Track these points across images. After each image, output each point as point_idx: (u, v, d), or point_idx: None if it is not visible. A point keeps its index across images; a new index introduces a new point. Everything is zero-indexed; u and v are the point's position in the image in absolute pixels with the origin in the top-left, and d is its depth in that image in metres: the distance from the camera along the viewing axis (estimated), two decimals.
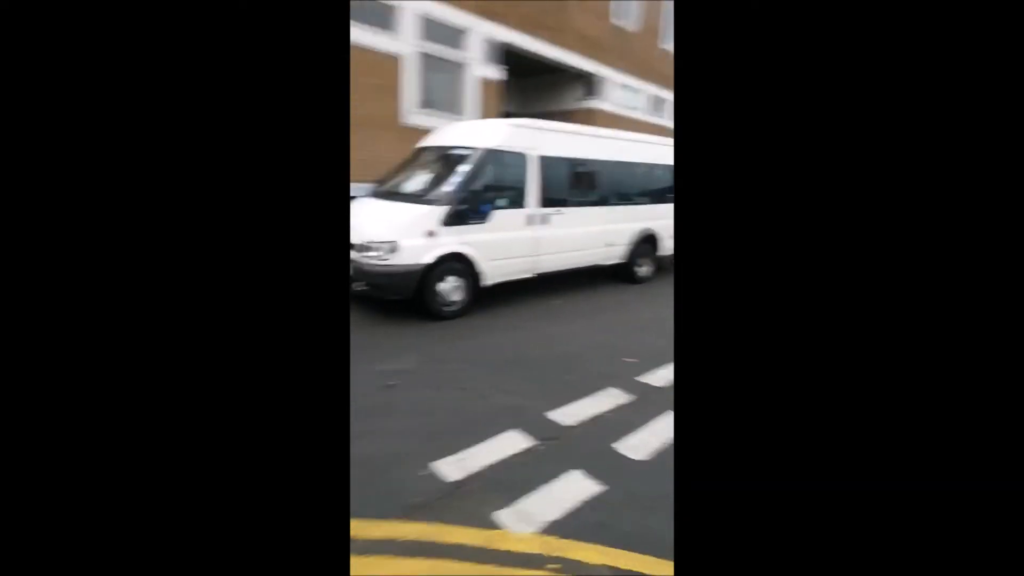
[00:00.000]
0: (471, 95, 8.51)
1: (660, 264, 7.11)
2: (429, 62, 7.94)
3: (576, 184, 5.66)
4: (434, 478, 2.30)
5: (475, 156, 4.73)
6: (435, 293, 4.45)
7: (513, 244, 5.01)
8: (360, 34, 6.94)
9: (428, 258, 4.31)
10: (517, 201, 5.01)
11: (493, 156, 4.81)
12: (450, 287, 4.56)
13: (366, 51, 7.03)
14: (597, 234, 5.99)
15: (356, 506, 2.06)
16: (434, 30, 7.87)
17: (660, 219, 6.77)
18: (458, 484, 2.27)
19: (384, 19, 7.28)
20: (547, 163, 5.22)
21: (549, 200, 5.28)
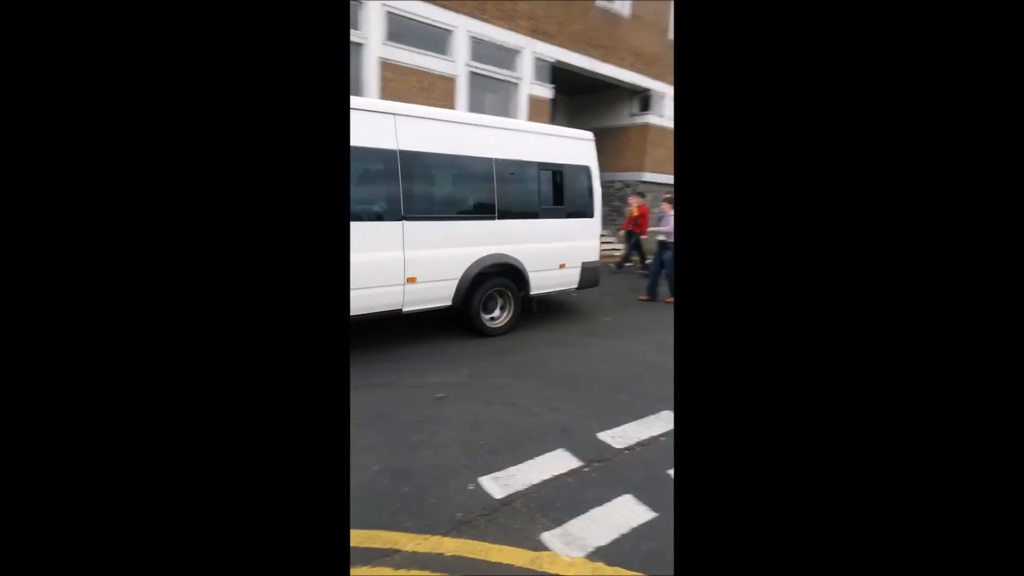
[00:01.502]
0: (522, 113, 8.63)
1: (531, 307, 5.09)
2: (481, 82, 8.14)
3: None
4: (481, 494, 2.27)
5: None
6: None
7: None
8: (416, 57, 7.23)
9: None
10: None
11: None
12: None
13: (422, 72, 7.31)
14: (384, 266, 3.88)
15: (402, 518, 2.07)
16: (486, 51, 8.08)
17: (515, 243, 4.59)
18: (504, 501, 2.22)
19: (439, 43, 7.55)
20: None
21: None
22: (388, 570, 1.79)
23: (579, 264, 5.11)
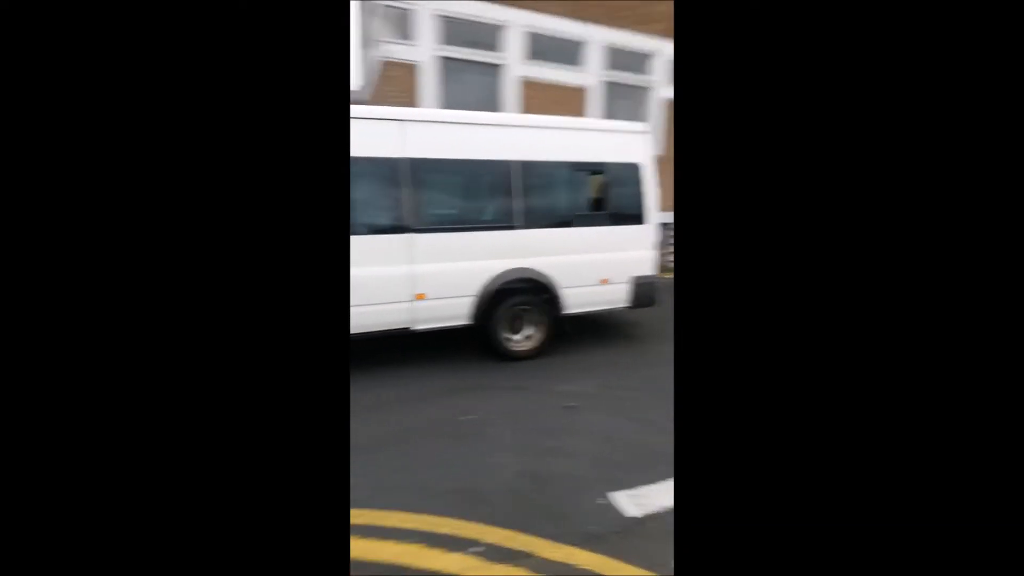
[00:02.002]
0: (654, 116, 8.37)
1: (563, 328, 4.50)
2: (614, 89, 8.09)
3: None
4: (612, 510, 2.26)
5: None
6: None
7: None
8: (552, 71, 7.43)
9: None
10: None
11: None
12: None
13: (558, 87, 7.50)
14: (389, 283, 3.68)
15: (538, 523, 2.14)
16: (619, 58, 8.00)
17: (543, 255, 4.05)
18: (639, 521, 2.18)
19: (572, 55, 7.67)
20: None
21: None
22: (524, 571, 1.88)
23: (628, 279, 4.39)
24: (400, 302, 3.74)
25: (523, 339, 4.24)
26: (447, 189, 3.95)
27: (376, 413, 3.27)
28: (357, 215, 3.56)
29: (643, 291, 4.49)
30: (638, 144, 4.44)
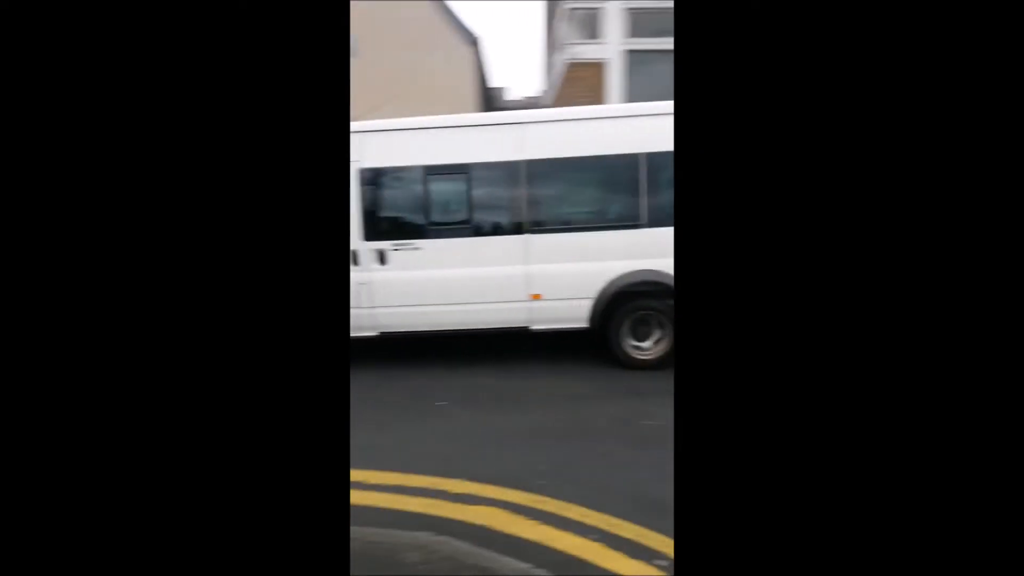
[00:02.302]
0: None
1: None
2: None
3: (445, 203, 3.94)
4: None
5: None
6: None
7: None
8: None
9: None
10: None
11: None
12: None
13: None
14: (506, 280, 3.82)
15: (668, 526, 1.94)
16: None
17: (670, 256, 3.49)
18: None
19: None
20: (376, 178, 3.93)
21: (384, 231, 3.95)
22: (654, 571, 1.80)
23: None
24: (516, 301, 3.84)
25: (649, 347, 3.96)
26: (564, 188, 3.88)
27: (564, 403, 3.37)
28: (474, 217, 3.84)
29: None
30: None
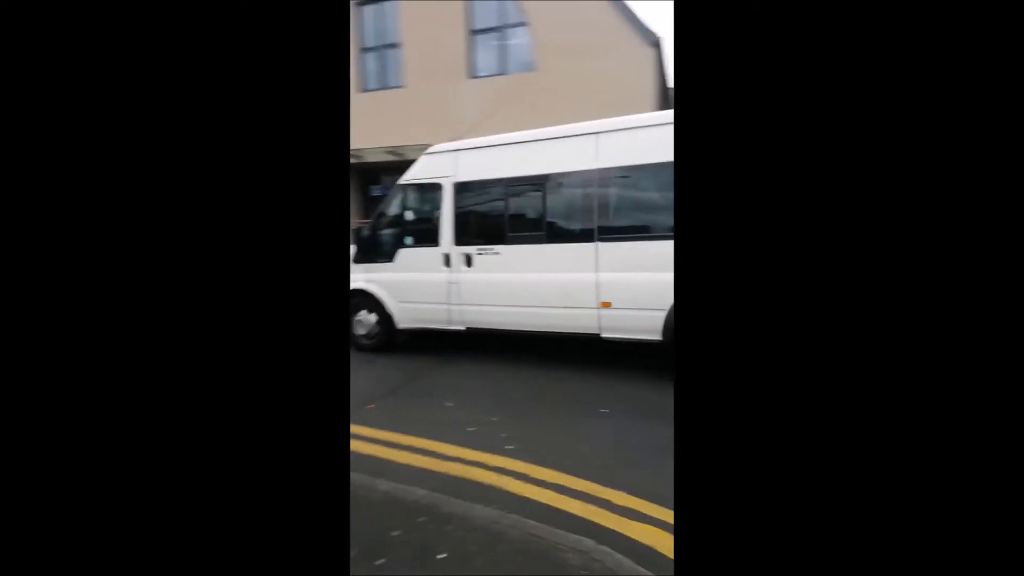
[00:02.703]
0: None
1: None
2: None
3: (516, 213, 4.23)
4: None
5: (390, 193, 4.89)
6: (355, 322, 4.92)
7: (423, 287, 4.57)
8: None
9: None
10: (431, 238, 4.52)
11: (407, 190, 4.76)
12: (363, 320, 4.88)
13: None
14: (576, 287, 3.93)
15: None
16: None
17: None
18: None
19: None
20: (465, 189, 4.41)
21: (472, 236, 4.38)
22: None
23: None
24: (586, 308, 3.92)
25: None
26: (635, 196, 3.80)
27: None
28: (546, 224, 4.07)
29: None
30: None
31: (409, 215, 4.82)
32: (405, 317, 4.77)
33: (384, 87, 9.93)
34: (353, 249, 4.87)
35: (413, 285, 4.66)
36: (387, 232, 4.85)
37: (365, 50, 10.00)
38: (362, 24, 9.85)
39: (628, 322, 3.86)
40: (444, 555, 1.87)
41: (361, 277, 4.89)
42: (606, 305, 3.90)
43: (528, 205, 4.22)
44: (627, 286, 3.81)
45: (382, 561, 1.86)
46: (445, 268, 4.46)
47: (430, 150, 4.78)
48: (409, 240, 4.74)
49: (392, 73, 9.89)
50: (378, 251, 4.85)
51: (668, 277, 3.47)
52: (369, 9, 9.88)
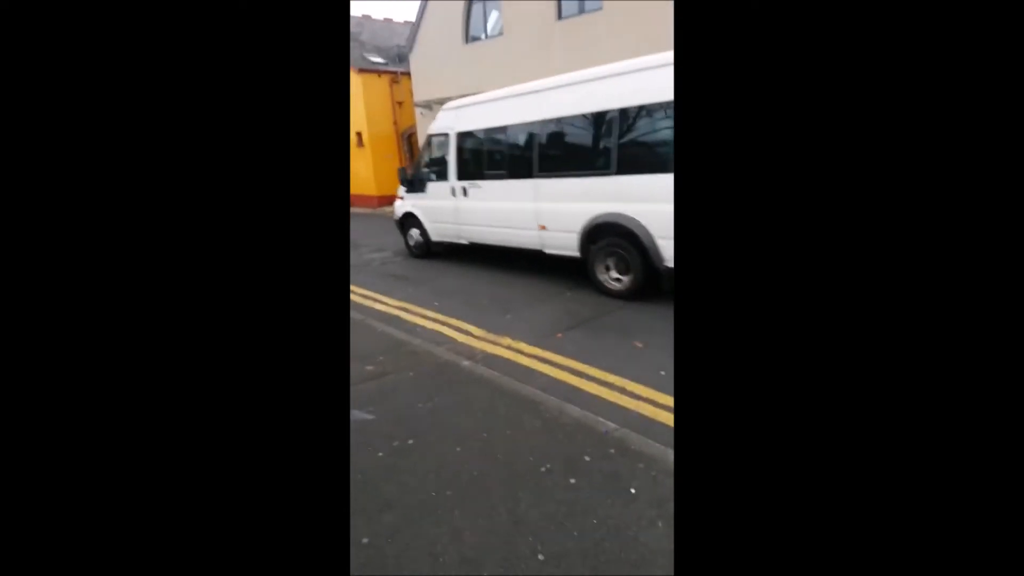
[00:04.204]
0: None
1: (655, 281, 4.20)
2: None
3: (493, 156, 5.53)
4: None
5: (426, 140, 6.46)
6: (408, 235, 6.96)
7: (441, 211, 6.18)
8: None
9: (399, 212, 6.95)
10: (444, 175, 6.02)
11: (432, 139, 6.27)
12: (411, 234, 6.87)
13: None
14: (520, 212, 5.17)
15: None
16: None
17: (634, 201, 4.14)
18: None
19: None
20: (462, 138, 5.77)
21: (466, 173, 5.76)
22: None
23: None
24: (531, 230, 5.13)
25: (620, 279, 4.52)
26: (565, 141, 4.75)
27: None
28: (506, 165, 5.30)
29: None
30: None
31: (434, 157, 6.28)
32: (435, 232, 6.45)
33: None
34: (401, 188, 6.87)
35: (437, 210, 6.27)
36: (423, 170, 6.45)
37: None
38: None
39: (557, 241, 4.94)
40: (634, 490, 1.87)
41: (409, 203, 6.72)
42: (543, 228, 5.05)
43: (497, 149, 5.49)
44: (555, 213, 4.88)
45: (573, 480, 1.96)
46: (452, 197, 5.97)
47: (444, 107, 6.23)
48: (433, 176, 6.26)
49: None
50: (419, 185, 6.48)
51: (582, 207, 4.57)
52: None
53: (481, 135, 5.61)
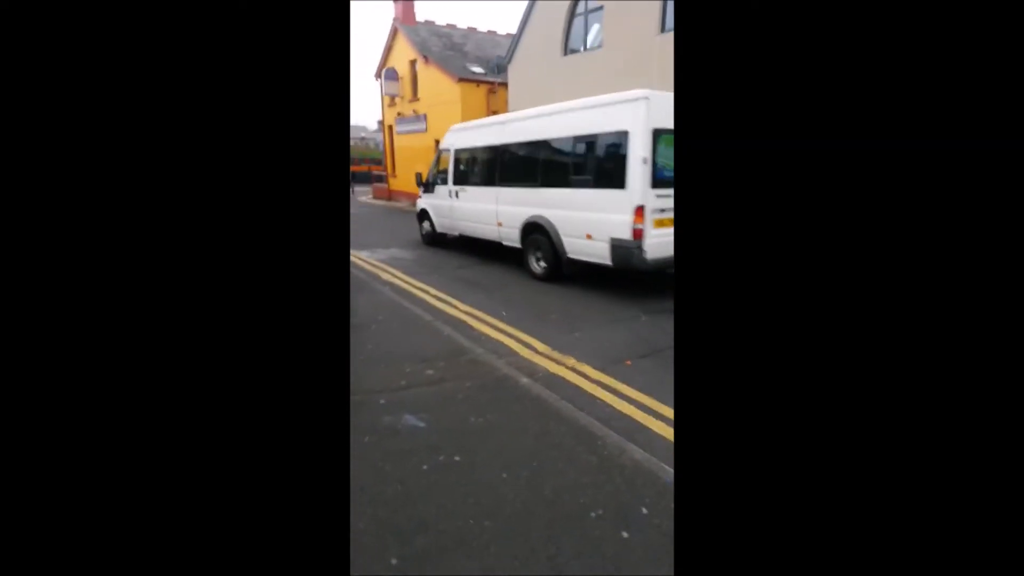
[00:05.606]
0: None
1: (560, 269, 5.69)
2: None
3: (473, 168, 7.30)
4: None
5: (437, 153, 8.29)
6: (422, 226, 8.82)
7: (443, 208, 8.03)
8: None
9: (418, 208, 8.83)
10: (446, 181, 7.90)
11: (440, 152, 8.13)
12: (425, 225, 8.68)
13: None
14: (487, 212, 6.85)
15: None
16: None
17: (550, 208, 5.74)
18: None
19: None
20: (458, 153, 7.63)
21: (458, 180, 7.61)
22: None
23: (607, 239, 4.99)
24: (493, 226, 6.82)
25: (540, 265, 6.05)
26: (512, 160, 6.49)
27: None
28: (480, 176, 7.11)
29: (620, 253, 4.92)
30: (628, 112, 4.81)
31: (442, 168, 8.05)
32: (439, 225, 8.25)
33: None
34: (421, 189, 8.73)
35: (441, 207, 8.07)
36: (433, 176, 8.27)
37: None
38: None
39: (508, 235, 6.50)
40: None
41: (424, 201, 8.59)
42: (500, 224, 6.64)
43: (476, 164, 7.19)
44: (506, 214, 6.47)
45: (626, 535, 1.74)
46: (449, 198, 7.79)
47: (450, 128, 7.90)
48: (440, 181, 8.05)
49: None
50: (431, 187, 8.32)
51: (521, 210, 6.14)
52: None
53: (468, 152, 7.41)
